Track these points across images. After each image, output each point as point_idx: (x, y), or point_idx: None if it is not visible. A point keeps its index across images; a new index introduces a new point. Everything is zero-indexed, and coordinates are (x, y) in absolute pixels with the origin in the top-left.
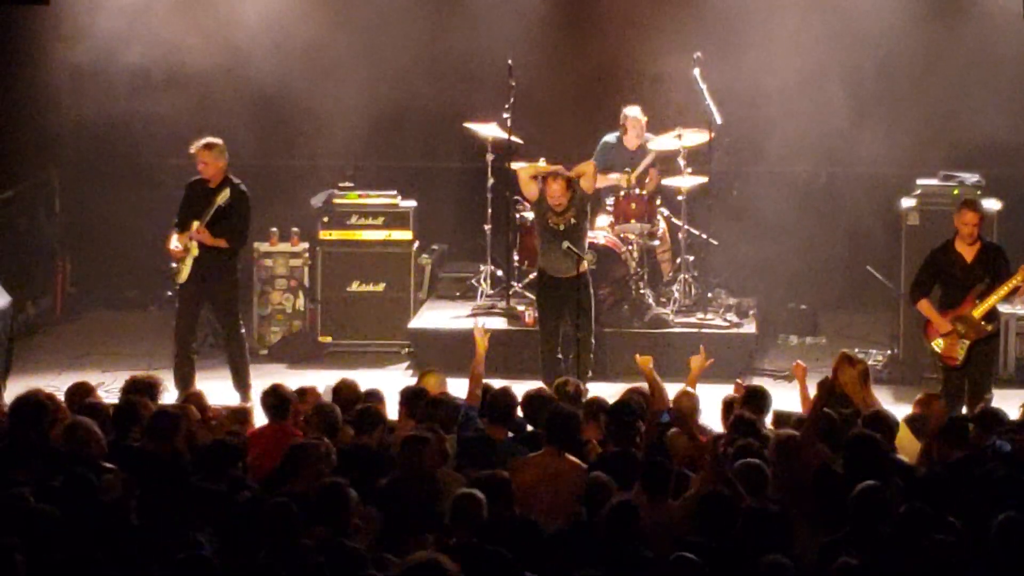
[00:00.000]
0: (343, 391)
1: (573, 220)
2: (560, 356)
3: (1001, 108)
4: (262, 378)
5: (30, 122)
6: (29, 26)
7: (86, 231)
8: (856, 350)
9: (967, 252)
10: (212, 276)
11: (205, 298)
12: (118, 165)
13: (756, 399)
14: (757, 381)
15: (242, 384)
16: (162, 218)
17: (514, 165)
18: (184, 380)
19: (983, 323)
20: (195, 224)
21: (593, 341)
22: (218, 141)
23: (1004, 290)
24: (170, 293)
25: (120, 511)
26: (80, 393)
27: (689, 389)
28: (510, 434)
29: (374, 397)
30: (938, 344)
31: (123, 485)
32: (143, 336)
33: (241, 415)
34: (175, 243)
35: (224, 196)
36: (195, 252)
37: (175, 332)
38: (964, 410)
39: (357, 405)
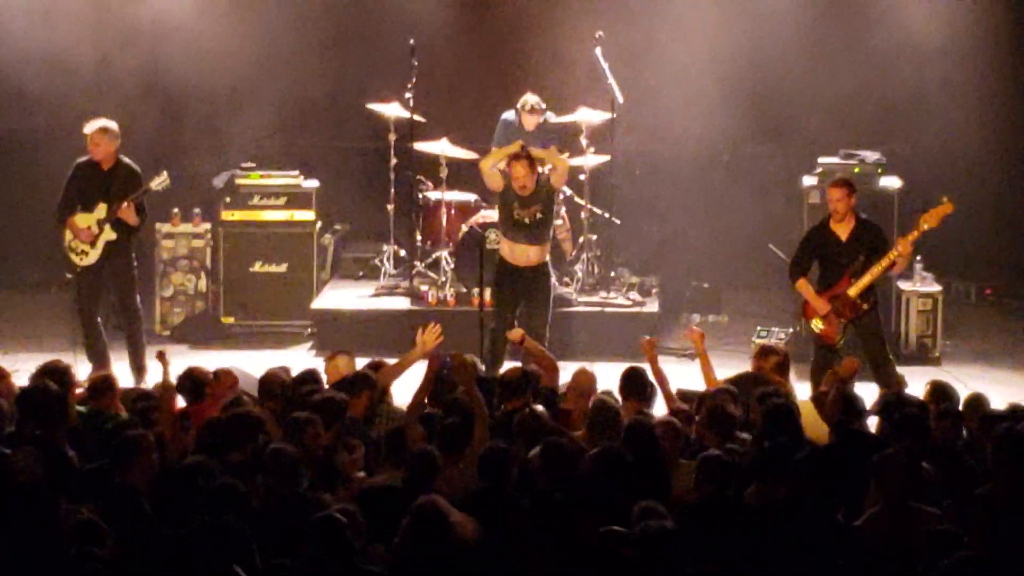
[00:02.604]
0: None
1: (540, 215)
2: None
3: (901, 87)
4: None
5: None
6: None
7: None
8: (758, 328)
9: (842, 230)
10: (117, 256)
11: (109, 279)
12: (14, 148)
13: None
14: (661, 360)
15: (139, 367)
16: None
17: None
18: (100, 358)
19: (859, 301)
20: (109, 209)
21: (548, 332)
22: (113, 125)
23: (878, 268)
24: (69, 275)
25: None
26: None
27: (587, 367)
28: None
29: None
30: (816, 324)
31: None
32: (47, 318)
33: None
34: (84, 224)
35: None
36: (110, 235)
37: (82, 314)
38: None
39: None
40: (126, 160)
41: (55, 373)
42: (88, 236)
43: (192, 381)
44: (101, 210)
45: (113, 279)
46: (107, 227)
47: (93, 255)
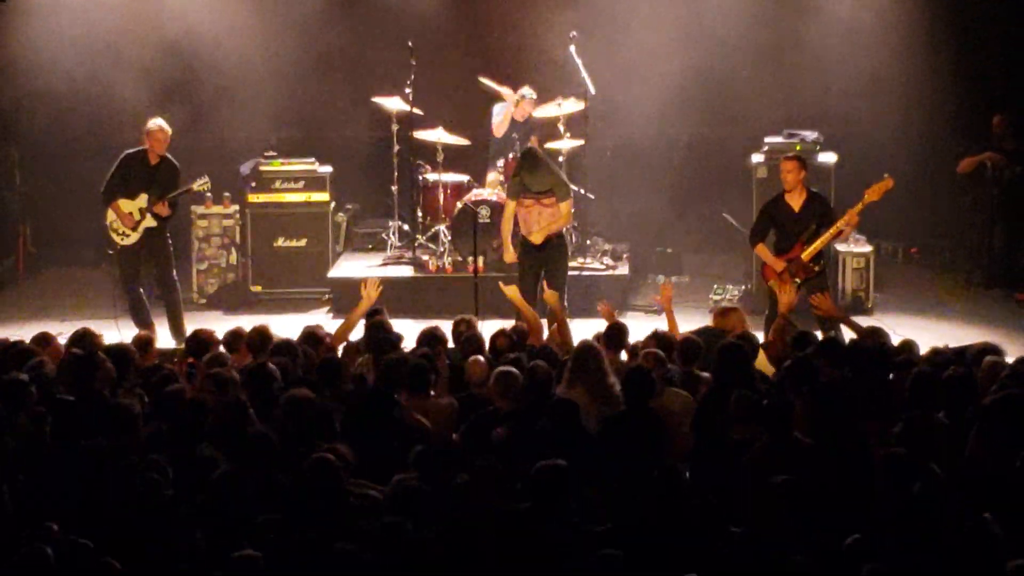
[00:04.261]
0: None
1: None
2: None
3: (837, 75)
4: (203, 323)
5: None
6: None
7: (44, 199)
8: (715, 286)
9: (795, 202)
10: (155, 238)
11: (147, 256)
12: (70, 143)
13: (612, 337)
14: (630, 315)
15: (178, 330)
16: None
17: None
18: (144, 323)
19: (811, 264)
20: (150, 199)
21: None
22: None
23: (828, 235)
24: (111, 252)
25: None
26: (42, 341)
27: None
28: None
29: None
30: (773, 284)
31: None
32: (97, 290)
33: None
34: (127, 209)
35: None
36: (150, 223)
37: (124, 283)
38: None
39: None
40: (169, 156)
41: (82, 338)
42: (130, 221)
43: (197, 342)
44: (142, 200)
45: (152, 256)
46: (148, 216)
47: (133, 237)
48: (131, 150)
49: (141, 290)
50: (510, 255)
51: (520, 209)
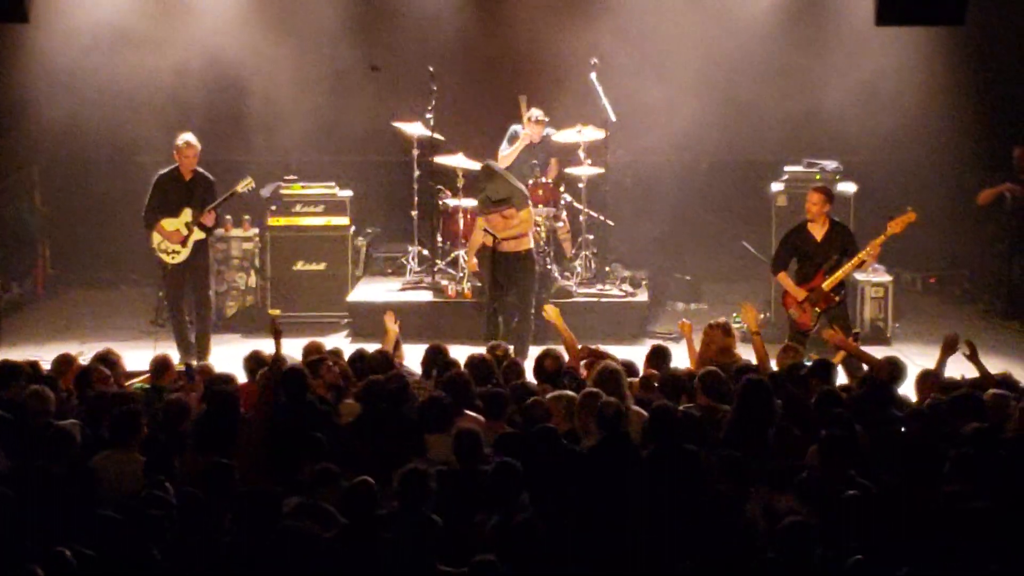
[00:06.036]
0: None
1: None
2: (500, 320)
3: (856, 104)
4: (222, 346)
5: (13, 126)
6: (8, 39)
7: (64, 220)
8: (734, 314)
9: (818, 232)
10: (201, 253)
11: (191, 273)
12: (90, 164)
13: (657, 356)
14: (649, 342)
15: (203, 351)
16: (130, 209)
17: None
18: (186, 345)
19: (832, 294)
20: (194, 213)
21: (533, 312)
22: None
23: (850, 266)
24: (163, 275)
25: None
26: (65, 362)
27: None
28: None
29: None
30: (793, 313)
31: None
32: (116, 311)
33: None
34: (173, 227)
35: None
36: (199, 235)
37: (171, 307)
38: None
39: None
40: (202, 170)
41: (105, 360)
42: (178, 238)
43: (256, 362)
44: (187, 214)
45: (195, 273)
46: (195, 229)
47: (184, 253)
48: (163, 170)
49: (185, 312)
50: (472, 264)
51: (487, 224)
